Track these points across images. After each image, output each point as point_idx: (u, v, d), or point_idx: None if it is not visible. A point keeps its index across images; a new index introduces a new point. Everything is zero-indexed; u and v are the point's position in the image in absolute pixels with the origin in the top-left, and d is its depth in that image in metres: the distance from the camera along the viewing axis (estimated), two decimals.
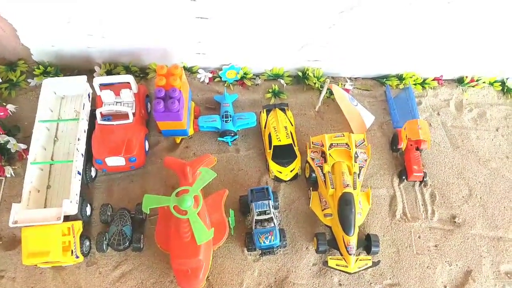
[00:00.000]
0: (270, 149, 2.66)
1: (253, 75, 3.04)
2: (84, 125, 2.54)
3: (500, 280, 2.47)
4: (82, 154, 2.47)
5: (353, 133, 2.76)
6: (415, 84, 3.07)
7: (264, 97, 2.99)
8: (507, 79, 3.13)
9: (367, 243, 2.42)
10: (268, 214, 2.37)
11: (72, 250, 2.23)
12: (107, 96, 2.62)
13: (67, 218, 2.27)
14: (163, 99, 2.45)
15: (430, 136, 2.76)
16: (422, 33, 2.68)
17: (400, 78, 3.08)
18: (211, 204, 2.40)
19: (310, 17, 2.53)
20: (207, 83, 3.02)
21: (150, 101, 2.83)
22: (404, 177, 2.68)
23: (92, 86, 2.63)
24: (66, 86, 2.69)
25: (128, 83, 2.63)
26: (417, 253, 2.51)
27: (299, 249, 2.49)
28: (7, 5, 2.46)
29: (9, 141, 2.58)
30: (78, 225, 2.32)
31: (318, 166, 2.55)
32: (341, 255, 2.36)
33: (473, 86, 3.12)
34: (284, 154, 2.66)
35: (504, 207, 2.69)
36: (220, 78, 3.01)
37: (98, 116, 2.54)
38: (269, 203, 2.39)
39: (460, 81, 3.12)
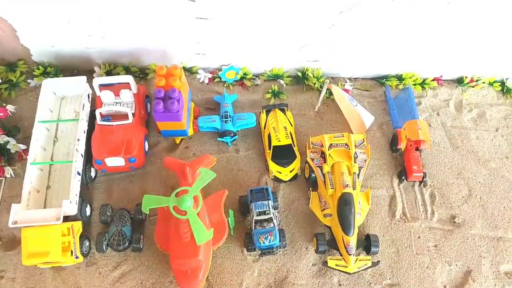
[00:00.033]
0: (269, 149, 2.66)
1: (253, 75, 3.04)
2: (83, 125, 2.54)
3: (499, 280, 2.47)
4: (81, 155, 2.47)
5: (352, 133, 2.76)
6: (414, 85, 3.07)
7: (264, 98, 2.99)
8: (506, 79, 3.13)
9: (367, 243, 2.42)
10: (268, 214, 2.37)
11: (71, 251, 2.23)
12: (106, 96, 2.62)
13: (66, 219, 2.27)
14: (162, 99, 2.45)
15: (430, 136, 2.76)
16: (422, 33, 2.68)
17: (400, 78, 3.08)
18: (210, 205, 2.40)
19: (310, 17, 2.53)
20: (207, 84, 3.02)
21: (150, 102, 2.83)
22: (403, 177, 2.68)
23: (91, 87, 2.63)
24: (65, 86, 2.69)
25: (128, 83, 2.63)
26: (416, 253, 2.51)
27: (298, 249, 2.49)
28: (7, 5, 2.46)
29: (9, 141, 2.58)
30: (78, 225, 2.32)
31: (317, 166, 2.55)
32: (341, 255, 2.36)
33: (472, 86, 3.12)
34: (283, 155, 2.66)
35: (504, 207, 2.69)
36: (220, 78, 3.01)
37: (98, 116, 2.54)
38: (268, 204, 2.39)
39: (459, 81, 3.13)
